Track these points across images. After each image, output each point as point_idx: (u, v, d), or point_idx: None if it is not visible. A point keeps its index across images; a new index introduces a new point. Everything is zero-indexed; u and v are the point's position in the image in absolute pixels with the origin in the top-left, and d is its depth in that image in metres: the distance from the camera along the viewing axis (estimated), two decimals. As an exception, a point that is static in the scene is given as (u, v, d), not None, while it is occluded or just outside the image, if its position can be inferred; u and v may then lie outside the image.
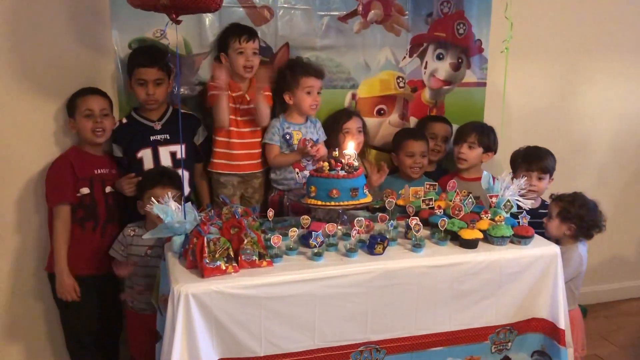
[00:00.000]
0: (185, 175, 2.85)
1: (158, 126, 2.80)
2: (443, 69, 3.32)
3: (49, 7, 2.72)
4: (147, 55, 2.71)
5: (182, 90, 2.94)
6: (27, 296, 2.97)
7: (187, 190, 2.86)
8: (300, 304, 2.09)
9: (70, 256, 2.69)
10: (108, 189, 2.74)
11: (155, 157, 2.78)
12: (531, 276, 2.34)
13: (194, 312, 1.97)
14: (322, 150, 2.78)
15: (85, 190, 2.68)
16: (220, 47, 2.87)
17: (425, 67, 3.30)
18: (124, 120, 2.82)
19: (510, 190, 2.52)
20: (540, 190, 2.99)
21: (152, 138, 2.78)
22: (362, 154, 3.19)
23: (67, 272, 2.67)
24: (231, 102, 2.86)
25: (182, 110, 2.90)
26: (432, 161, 3.27)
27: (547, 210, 2.83)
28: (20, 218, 2.87)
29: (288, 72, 2.94)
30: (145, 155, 2.77)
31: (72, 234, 2.69)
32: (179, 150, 2.80)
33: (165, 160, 2.80)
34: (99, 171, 2.72)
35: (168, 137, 2.80)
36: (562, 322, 2.34)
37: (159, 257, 2.52)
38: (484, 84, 3.41)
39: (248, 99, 2.87)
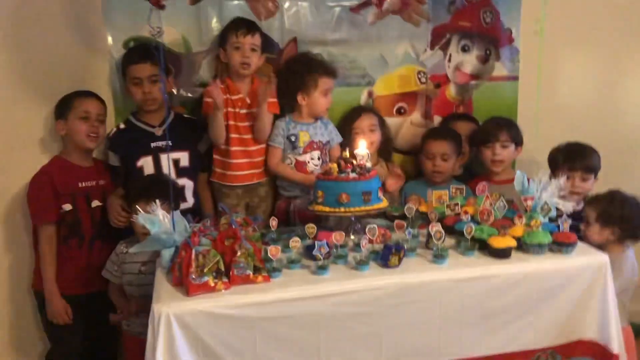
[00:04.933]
0: (189, 185, 2.62)
1: (159, 132, 2.56)
2: (469, 62, 3.02)
3: (40, 6, 2.54)
4: (138, 51, 2.51)
5: (182, 92, 2.72)
6: (22, 316, 2.75)
7: (191, 201, 2.63)
8: (301, 326, 1.81)
9: (56, 276, 2.48)
10: (95, 204, 2.52)
11: (157, 165, 2.55)
12: (576, 290, 2.01)
13: (176, 336, 1.71)
14: None
15: (67, 207, 2.48)
16: (220, 42, 2.64)
17: (449, 61, 3.00)
18: (122, 126, 2.60)
19: (548, 191, 2.19)
20: (584, 193, 2.64)
21: (152, 145, 2.56)
22: (385, 156, 2.90)
23: (57, 294, 2.48)
24: (230, 106, 2.61)
25: (185, 115, 2.71)
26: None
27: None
28: (8, 234, 2.67)
29: (304, 71, 2.64)
30: (146, 163, 2.55)
31: (57, 253, 2.50)
32: (183, 157, 2.59)
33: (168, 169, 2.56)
34: (84, 184, 2.51)
35: (170, 144, 2.57)
36: (616, 345, 1.99)
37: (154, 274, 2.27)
38: (516, 78, 3.10)
39: (249, 102, 2.62)
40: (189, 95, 2.73)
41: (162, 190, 2.31)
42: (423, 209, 2.42)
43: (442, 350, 1.92)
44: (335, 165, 2.24)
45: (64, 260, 2.48)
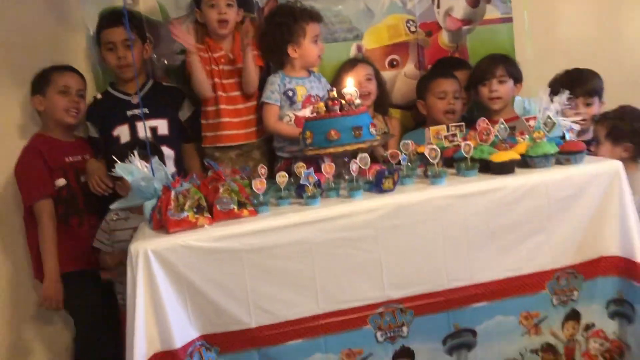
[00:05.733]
0: (169, 154, 2.52)
1: (135, 99, 2.48)
2: (459, 6, 2.89)
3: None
4: (111, 15, 2.45)
5: (164, 61, 2.65)
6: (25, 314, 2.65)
7: (173, 170, 2.52)
8: (293, 256, 1.67)
9: (61, 256, 2.38)
10: (84, 178, 2.44)
11: (133, 133, 2.45)
12: (590, 202, 1.84)
13: (157, 275, 1.58)
14: None
15: (61, 182, 2.40)
16: (195, 3, 2.56)
17: (438, 6, 2.88)
18: (99, 96, 2.53)
19: (551, 109, 2.04)
20: (591, 118, 2.48)
21: (129, 113, 2.47)
22: (382, 110, 2.78)
23: (57, 276, 2.36)
24: (214, 64, 2.52)
25: (164, 83, 2.63)
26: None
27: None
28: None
29: (290, 21, 2.51)
30: (122, 132, 2.47)
31: (60, 233, 2.40)
32: (162, 125, 2.50)
33: None
34: (70, 159, 2.44)
35: (147, 112, 2.48)
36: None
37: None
38: (510, 19, 2.96)
39: (232, 57, 2.52)
40: (171, 64, 2.65)
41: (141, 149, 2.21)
42: (421, 149, 2.28)
43: (451, 276, 1.77)
44: (322, 104, 2.12)
45: (66, 240, 2.39)
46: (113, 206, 1.98)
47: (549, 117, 1.98)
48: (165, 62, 2.64)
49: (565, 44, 3.05)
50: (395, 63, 2.88)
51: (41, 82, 2.43)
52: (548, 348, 1.87)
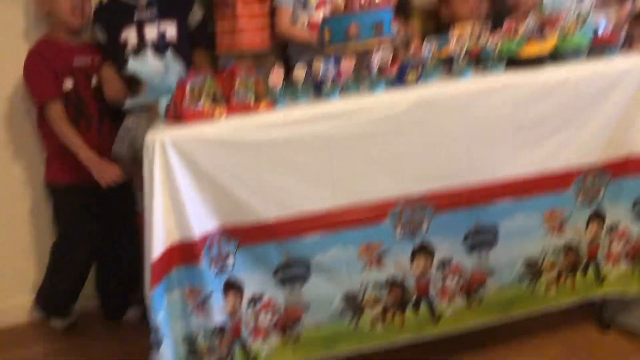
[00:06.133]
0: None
1: (144, 1, 2.38)
2: None
3: None
4: None
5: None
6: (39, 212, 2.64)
7: None
8: (310, 149, 1.63)
9: (66, 164, 2.34)
10: (95, 81, 2.38)
11: (141, 38, 2.37)
12: (620, 98, 1.77)
13: (174, 166, 1.55)
14: None
15: (68, 84, 2.33)
16: None
17: None
18: (105, 0, 2.43)
19: (582, 5, 1.94)
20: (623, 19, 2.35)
21: (136, 16, 2.38)
22: (404, 14, 2.64)
23: (96, 156, 2.27)
24: None
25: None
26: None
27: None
28: (13, 134, 2.56)
29: None
30: (130, 36, 2.36)
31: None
32: (170, 29, 2.39)
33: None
34: (79, 62, 2.36)
35: (156, 14, 2.38)
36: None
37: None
38: None
39: None
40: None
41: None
42: (445, 53, 2.19)
43: (474, 171, 1.72)
44: (341, 1, 2.02)
45: None
46: (127, 104, 1.94)
47: (580, 12, 1.89)
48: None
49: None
50: (417, -34, 2.73)
51: None
52: (570, 248, 1.85)
